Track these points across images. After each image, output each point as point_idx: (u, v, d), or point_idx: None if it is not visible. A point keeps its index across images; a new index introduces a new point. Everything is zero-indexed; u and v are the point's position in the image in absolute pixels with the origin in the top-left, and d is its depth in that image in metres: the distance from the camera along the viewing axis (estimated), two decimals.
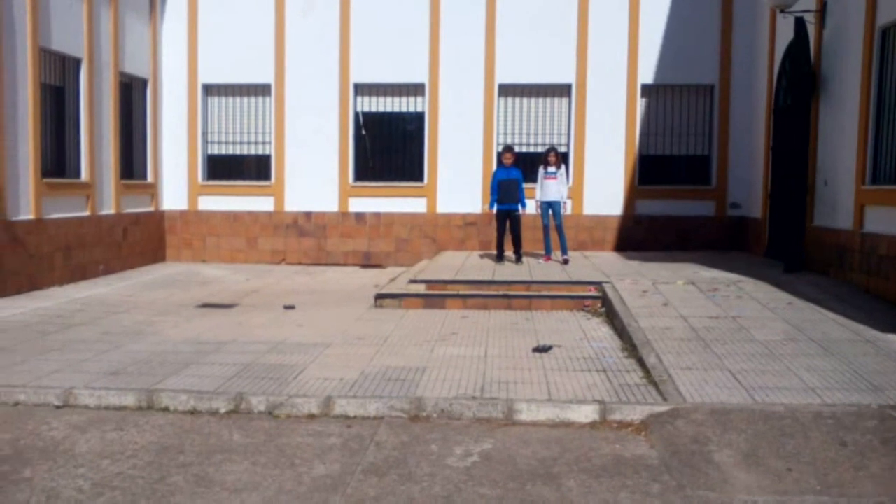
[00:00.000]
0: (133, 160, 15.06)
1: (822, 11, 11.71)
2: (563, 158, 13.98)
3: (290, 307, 10.70)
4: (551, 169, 12.92)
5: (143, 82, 15.31)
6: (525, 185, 12.97)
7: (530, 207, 13.26)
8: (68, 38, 12.69)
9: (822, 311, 9.00)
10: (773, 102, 13.72)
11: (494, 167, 14.42)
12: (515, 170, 12.97)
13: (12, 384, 6.65)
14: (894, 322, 8.34)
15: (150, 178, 15.51)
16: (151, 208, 15.53)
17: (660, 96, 15.42)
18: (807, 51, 11.82)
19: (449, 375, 7.04)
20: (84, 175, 13.18)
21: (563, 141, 15.46)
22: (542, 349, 8.05)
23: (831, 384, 6.42)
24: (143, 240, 15.12)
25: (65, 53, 12.69)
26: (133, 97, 15.13)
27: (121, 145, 14.27)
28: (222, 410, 6.20)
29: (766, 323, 8.52)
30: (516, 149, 14.27)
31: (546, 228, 13.18)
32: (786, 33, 12.64)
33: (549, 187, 12.93)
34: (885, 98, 10.09)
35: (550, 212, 12.99)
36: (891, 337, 7.79)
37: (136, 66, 14.92)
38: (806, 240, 11.89)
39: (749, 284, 10.63)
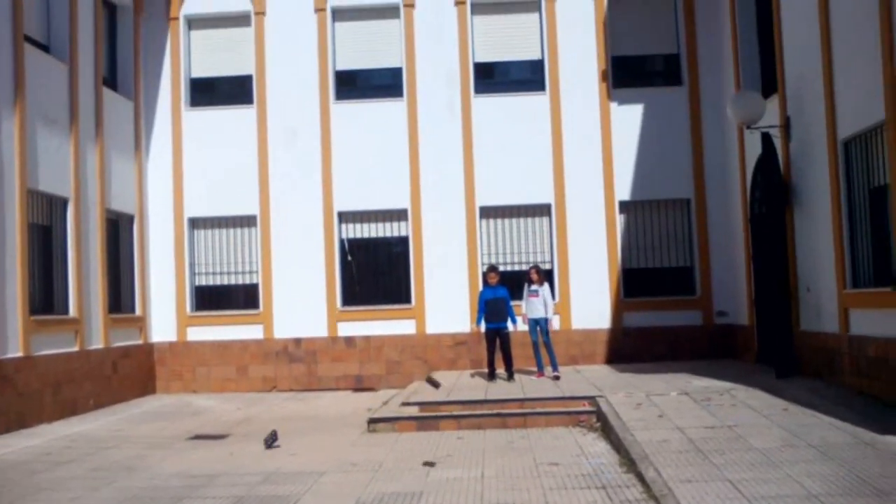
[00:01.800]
0: (121, 294, 15.12)
1: (786, 127, 12.16)
2: (546, 275, 14.13)
3: (271, 441, 9.80)
4: (533, 287, 13.10)
5: (130, 218, 15.53)
6: (513, 303, 13.09)
7: (520, 324, 13.31)
8: (55, 179, 12.94)
9: (817, 415, 8.99)
10: (749, 212, 14.05)
11: (480, 287, 14.55)
12: (501, 288, 13.10)
13: None
14: (891, 423, 8.34)
15: (138, 312, 15.52)
16: (140, 341, 15.46)
17: (638, 211, 15.78)
18: (776, 163, 12.22)
19: (446, 499, 6.94)
20: (72, 311, 13.20)
21: (547, 258, 15.69)
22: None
23: (834, 490, 6.36)
24: (133, 373, 15.00)
25: (52, 194, 12.92)
26: (120, 233, 15.31)
27: (108, 280, 14.35)
28: None
29: (762, 430, 8.48)
30: (501, 268, 14.44)
31: (535, 345, 13.22)
32: (755, 147, 13.06)
33: (533, 304, 13.08)
34: (856, 204, 10.39)
35: (538, 328, 13.09)
36: (890, 438, 7.77)
37: (123, 202, 15.17)
38: (795, 344, 11.96)
39: (742, 392, 10.63)
